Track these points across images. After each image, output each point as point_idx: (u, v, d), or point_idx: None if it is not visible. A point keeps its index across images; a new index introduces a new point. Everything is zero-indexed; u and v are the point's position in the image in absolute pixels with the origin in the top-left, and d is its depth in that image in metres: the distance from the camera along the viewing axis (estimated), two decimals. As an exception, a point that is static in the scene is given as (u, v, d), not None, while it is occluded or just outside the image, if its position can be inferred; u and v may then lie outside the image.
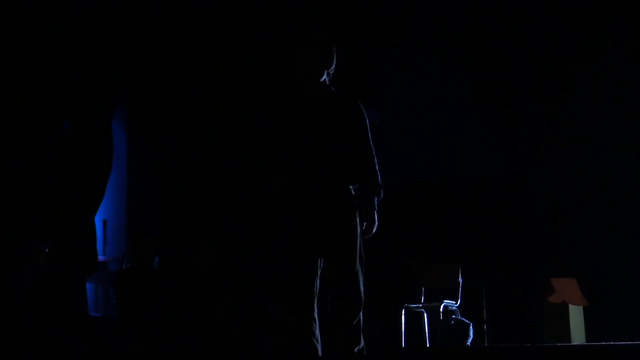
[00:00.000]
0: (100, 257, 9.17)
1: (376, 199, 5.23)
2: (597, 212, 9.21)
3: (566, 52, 9.48)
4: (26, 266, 7.37)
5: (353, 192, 5.24)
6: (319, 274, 5.18)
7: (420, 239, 9.55)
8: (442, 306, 8.30)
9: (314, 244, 5.14)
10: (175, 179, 9.77)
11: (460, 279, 8.50)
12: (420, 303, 8.49)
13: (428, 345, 8.20)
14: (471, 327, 8.19)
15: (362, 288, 5.17)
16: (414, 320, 8.38)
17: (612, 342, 7.12)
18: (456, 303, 8.41)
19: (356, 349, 5.17)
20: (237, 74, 9.65)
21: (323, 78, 5.27)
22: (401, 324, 8.23)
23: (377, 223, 5.23)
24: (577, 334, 8.39)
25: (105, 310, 9.59)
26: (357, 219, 5.19)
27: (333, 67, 5.29)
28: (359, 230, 5.18)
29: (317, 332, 5.18)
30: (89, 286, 8.91)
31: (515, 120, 9.64)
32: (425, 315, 8.30)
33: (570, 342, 8.22)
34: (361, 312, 5.18)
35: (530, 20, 9.55)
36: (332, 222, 5.13)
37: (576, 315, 8.48)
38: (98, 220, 9.05)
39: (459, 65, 9.84)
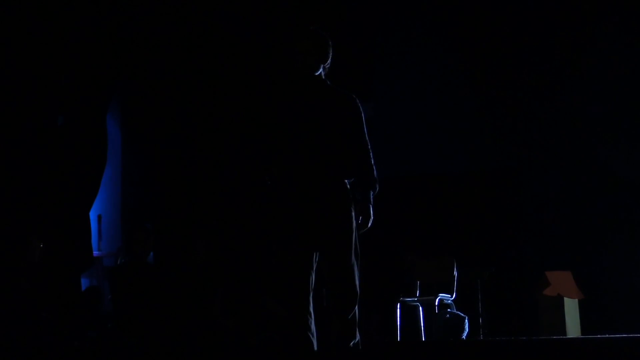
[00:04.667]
0: (95, 253, 9.17)
1: (371, 193, 5.24)
2: (592, 205, 9.22)
3: (563, 43, 9.47)
4: (21, 262, 7.36)
5: (348, 187, 5.24)
6: (314, 268, 5.19)
7: (415, 233, 9.55)
8: (437, 300, 8.31)
9: (309, 238, 5.15)
10: (169, 174, 9.75)
11: (455, 273, 8.51)
12: (416, 297, 8.50)
13: (423, 339, 8.21)
14: (466, 320, 8.20)
15: (357, 282, 5.18)
16: (410, 314, 8.39)
17: (607, 335, 7.13)
18: (451, 297, 8.42)
19: (352, 343, 5.17)
20: (232, 68, 9.64)
21: (319, 72, 5.27)
22: (396, 317, 8.24)
23: (372, 217, 5.24)
24: (573, 327, 8.40)
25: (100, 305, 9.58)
26: (353, 213, 5.19)
27: (329, 61, 5.29)
28: (354, 225, 5.19)
29: (313, 326, 5.19)
30: (84, 281, 8.91)
31: (510, 113, 9.64)
32: (420, 309, 8.31)
33: (565, 335, 8.23)
34: (357, 306, 5.18)
35: (524, 12, 9.55)
36: (327, 216, 5.14)
37: (571, 308, 8.49)
38: (93, 215, 9.05)
39: (454, 58, 9.83)
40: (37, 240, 7.73)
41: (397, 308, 8.26)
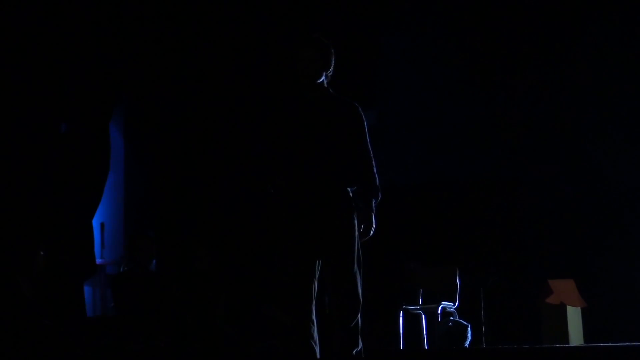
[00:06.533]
0: (98, 260, 9.16)
1: (374, 201, 5.24)
2: (595, 213, 9.22)
3: (563, 54, 9.48)
4: (24, 269, 7.36)
5: (351, 195, 5.25)
6: (317, 276, 5.19)
7: (417, 241, 9.55)
8: (440, 308, 8.31)
9: (312, 246, 5.15)
10: (172, 182, 9.76)
11: (458, 281, 8.50)
12: (418, 305, 8.49)
13: (426, 347, 8.20)
14: (469, 328, 8.19)
15: (360, 290, 5.17)
16: (412, 322, 8.38)
17: (610, 344, 7.12)
18: (454, 305, 8.41)
19: (354, 351, 5.17)
20: (235, 76, 9.65)
21: (321, 80, 5.28)
22: (399, 325, 8.23)
23: (374, 225, 5.24)
24: (575, 335, 8.39)
25: (103, 313, 9.59)
26: (355, 221, 5.20)
27: (331, 69, 5.30)
28: (356, 233, 5.19)
29: (315, 334, 5.18)
30: (86, 289, 8.92)
31: (512, 122, 9.64)
32: (423, 317, 8.30)
33: (568, 343, 8.22)
34: (359, 314, 5.18)
35: (525, 22, 9.56)
36: (330, 224, 5.14)
37: (574, 317, 8.48)
38: (96, 223, 9.05)
39: (457, 66, 9.84)
40: (40, 248, 7.73)
41: (399, 316, 8.25)
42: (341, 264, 5.14)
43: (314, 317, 5.18)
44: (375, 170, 5.28)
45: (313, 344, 5.16)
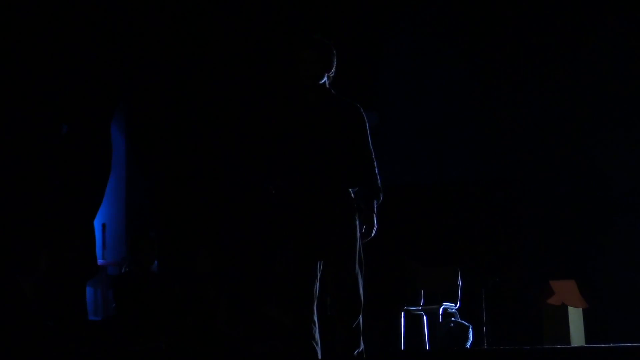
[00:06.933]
0: (100, 261, 9.17)
1: (375, 202, 5.24)
2: (596, 213, 9.22)
3: (562, 54, 9.49)
4: (26, 270, 7.36)
5: (352, 196, 5.25)
6: (318, 277, 5.19)
7: (419, 242, 9.55)
8: (441, 309, 8.31)
9: (313, 247, 5.15)
10: (174, 183, 9.76)
11: (459, 282, 8.50)
12: (420, 306, 8.49)
13: (428, 348, 8.20)
14: (470, 329, 8.20)
15: (361, 291, 5.18)
16: (414, 323, 8.38)
17: (611, 344, 7.12)
18: (455, 305, 8.41)
19: (356, 352, 5.17)
20: (236, 77, 9.66)
21: (323, 81, 5.28)
22: (401, 326, 8.23)
23: (376, 226, 5.24)
24: (577, 336, 8.39)
25: (104, 314, 9.59)
26: (357, 222, 5.20)
27: (333, 70, 5.30)
28: (358, 234, 5.19)
29: (317, 335, 5.19)
30: (88, 290, 8.92)
31: (512, 122, 9.65)
32: (424, 317, 8.30)
33: (569, 344, 8.22)
34: (361, 315, 5.18)
35: (525, 23, 9.57)
36: (332, 225, 5.14)
37: (575, 318, 8.48)
38: (97, 224, 9.05)
39: (458, 67, 9.85)
40: (42, 249, 7.73)
41: (401, 317, 8.25)
42: (343, 265, 5.14)
43: (315, 318, 5.18)
44: (376, 171, 5.28)
45: (314, 344, 5.16)
